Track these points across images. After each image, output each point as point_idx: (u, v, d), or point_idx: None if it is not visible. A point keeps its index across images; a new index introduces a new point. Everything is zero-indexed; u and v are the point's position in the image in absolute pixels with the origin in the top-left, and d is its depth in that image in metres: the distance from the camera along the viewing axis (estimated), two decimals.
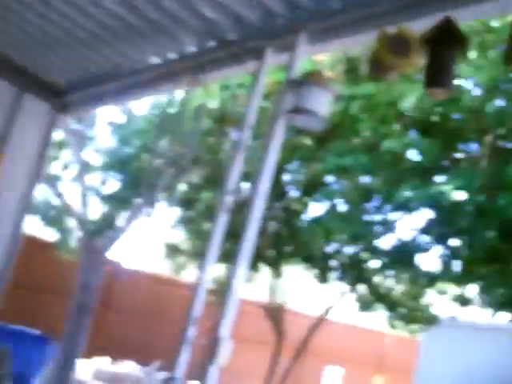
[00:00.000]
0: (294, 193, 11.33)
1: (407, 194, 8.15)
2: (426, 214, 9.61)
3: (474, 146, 9.07)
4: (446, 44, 3.57)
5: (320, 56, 6.80)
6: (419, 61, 3.71)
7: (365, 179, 9.61)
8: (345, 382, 18.21)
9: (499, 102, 8.52)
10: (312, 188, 10.12)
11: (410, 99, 7.58)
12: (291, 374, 14.87)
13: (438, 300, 15.42)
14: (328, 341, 19.19)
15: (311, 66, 6.27)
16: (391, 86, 7.64)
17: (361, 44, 5.07)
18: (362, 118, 8.00)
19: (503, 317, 11.70)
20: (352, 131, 8.33)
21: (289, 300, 16.50)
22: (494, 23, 7.92)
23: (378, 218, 9.98)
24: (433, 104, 8.09)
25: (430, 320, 15.30)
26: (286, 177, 10.89)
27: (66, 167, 13.26)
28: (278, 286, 15.30)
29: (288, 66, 4.54)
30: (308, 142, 9.55)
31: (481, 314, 14.08)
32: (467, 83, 8.00)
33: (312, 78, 4.31)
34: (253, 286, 16.10)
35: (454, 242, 9.34)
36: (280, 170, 10.05)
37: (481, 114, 8.38)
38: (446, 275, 10.54)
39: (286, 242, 11.91)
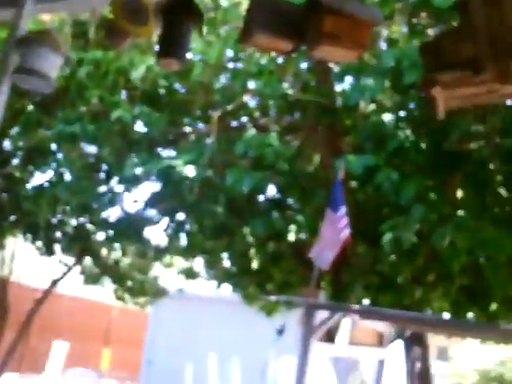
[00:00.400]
0: (17, 160, 10.74)
1: (136, 166, 8.06)
2: (153, 187, 9.63)
3: (201, 122, 9.21)
4: (181, 15, 3.50)
5: (48, 16, 6.43)
6: (154, 30, 3.61)
7: (92, 149, 9.39)
8: (72, 357, 17.84)
9: (226, 79, 8.75)
10: (37, 155, 9.68)
11: (140, 69, 7.46)
12: (17, 350, 14.25)
13: (166, 273, 15.66)
14: (56, 315, 18.73)
15: (38, 26, 5.90)
16: (121, 54, 7.48)
17: (93, 7, 4.86)
18: (90, 85, 7.75)
19: (226, 289, 12.13)
20: (80, 98, 8.03)
21: (13, 272, 15.81)
22: (224, 2, 8.07)
23: (105, 189, 9.82)
24: (161, 76, 8.06)
25: (157, 292, 15.50)
26: (7, 143, 10.31)
27: None
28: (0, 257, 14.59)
29: (13, 24, 4.20)
30: (31, 106, 9.09)
31: (206, 286, 14.49)
32: (197, 58, 8.06)
33: (41, 38, 4.02)
34: None
35: (182, 216, 9.45)
36: (1, 135, 9.52)
37: (209, 89, 8.51)
38: (173, 249, 10.68)
39: (7, 212, 11.31)
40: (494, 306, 8.62)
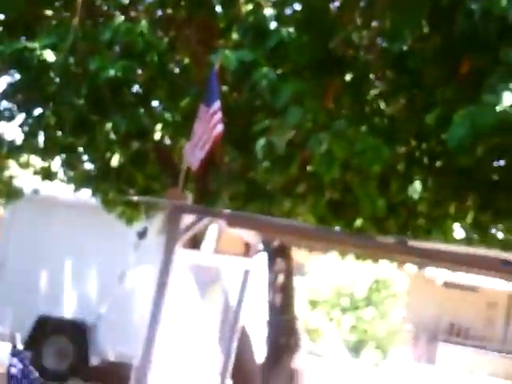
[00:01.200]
0: None
1: None
2: (8, 78, 8.86)
3: (64, 5, 8.38)
4: None
5: None
6: None
7: None
8: None
9: None
10: None
11: None
12: None
13: (22, 173, 14.91)
14: None
15: None
16: None
17: None
18: None
19: (85, 192, 11.60)
20: None
21: None
22: None
23: None
24: None
25: (12, 193, 14.72)
26: None
27: None
28: None
29: None
30: None
31: (65, 189, 13.87)
32: None
33: None
34: None
35: (39, 109, 8.70)
36: None
37: None
38: (30, 147, 10.00)
39: None
40: (359, 222, 8.52)
